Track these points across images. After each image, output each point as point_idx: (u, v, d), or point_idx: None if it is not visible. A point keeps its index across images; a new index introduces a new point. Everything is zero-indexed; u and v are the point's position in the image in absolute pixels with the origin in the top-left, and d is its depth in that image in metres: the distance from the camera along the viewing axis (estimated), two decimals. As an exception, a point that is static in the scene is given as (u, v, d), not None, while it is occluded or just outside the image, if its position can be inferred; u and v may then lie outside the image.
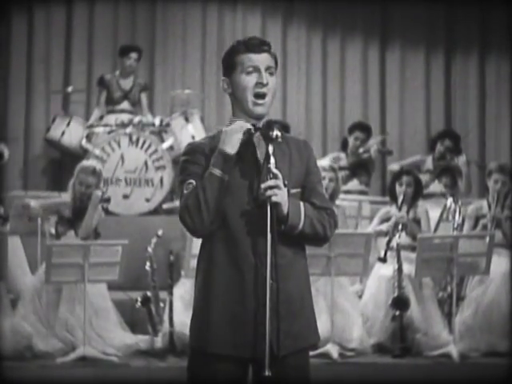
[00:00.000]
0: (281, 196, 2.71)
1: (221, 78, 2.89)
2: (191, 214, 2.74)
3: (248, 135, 2.78)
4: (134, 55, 8.65)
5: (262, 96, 2.80)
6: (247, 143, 2.79)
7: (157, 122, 8.32)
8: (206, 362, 2.80)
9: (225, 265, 2.78)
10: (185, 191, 2.78)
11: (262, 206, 2.71)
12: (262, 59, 2.81)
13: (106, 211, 7.48)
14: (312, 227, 2.80)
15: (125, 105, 8.65)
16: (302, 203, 2.81)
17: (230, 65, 2.84)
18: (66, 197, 6.51)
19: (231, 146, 2.74)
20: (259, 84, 2.79)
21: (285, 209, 2.73)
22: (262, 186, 2.71)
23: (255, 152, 2.81)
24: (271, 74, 2.83)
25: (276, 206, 2.70)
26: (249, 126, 2.78)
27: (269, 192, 2.69)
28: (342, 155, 8.86)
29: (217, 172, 2.73)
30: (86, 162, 6.67)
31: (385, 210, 6.95)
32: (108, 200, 6.36)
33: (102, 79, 8.70)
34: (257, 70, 2.80)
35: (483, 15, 10.21)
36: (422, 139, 9.90)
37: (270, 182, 2.70)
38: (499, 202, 6.72)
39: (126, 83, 8.68)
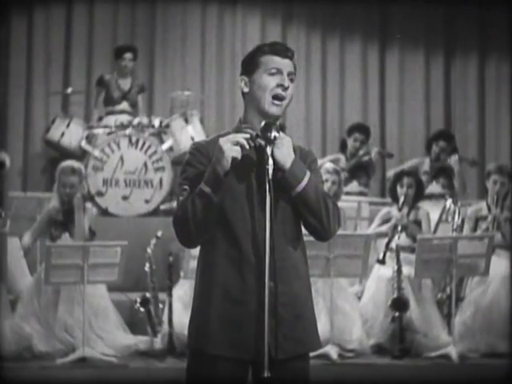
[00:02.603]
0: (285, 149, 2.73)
1: (239, 77, 2.88)
2: (181, 226, 2.75)
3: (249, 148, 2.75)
4: (128, 55, 8.63)
5: (280, 98, 2.81)
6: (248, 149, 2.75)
7: (156, 123, 8.32)
8: (205, 363, 2.78)
9: (225, 266, 2.77)
10: (180, 197, 2.78)
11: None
12: (285, 63, 2.82)
13: (106, 212, 7.48)
14: (316, 194, 2.76)
15: (124, 105, 8.64)
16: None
17: (252, 64, 2.84)
18: (53, 201, 6.38)
19: (221, 166, 2.69)
20: (280, 86, 2.80)
21: (288, 162, 2.72)
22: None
23: (254, 156, 2.79)
24: (291, 80, 2.84)
25: (277, 160, 2.70)
26: (241, 138, 2.72)
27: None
28: (342, 157, 8.84)
29: (206, 189, 2.70)
30: (65, 163, 6.52)
31: (385, 211, 6.95)
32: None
33: (102, 79, 8.69)
34: (280, 72, 2.81)
35: (483, 15, 10.20)
36: (422, 139, 9.88)
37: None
38: (498, 203, 6.72)
39: (125, 83, 8.67)
